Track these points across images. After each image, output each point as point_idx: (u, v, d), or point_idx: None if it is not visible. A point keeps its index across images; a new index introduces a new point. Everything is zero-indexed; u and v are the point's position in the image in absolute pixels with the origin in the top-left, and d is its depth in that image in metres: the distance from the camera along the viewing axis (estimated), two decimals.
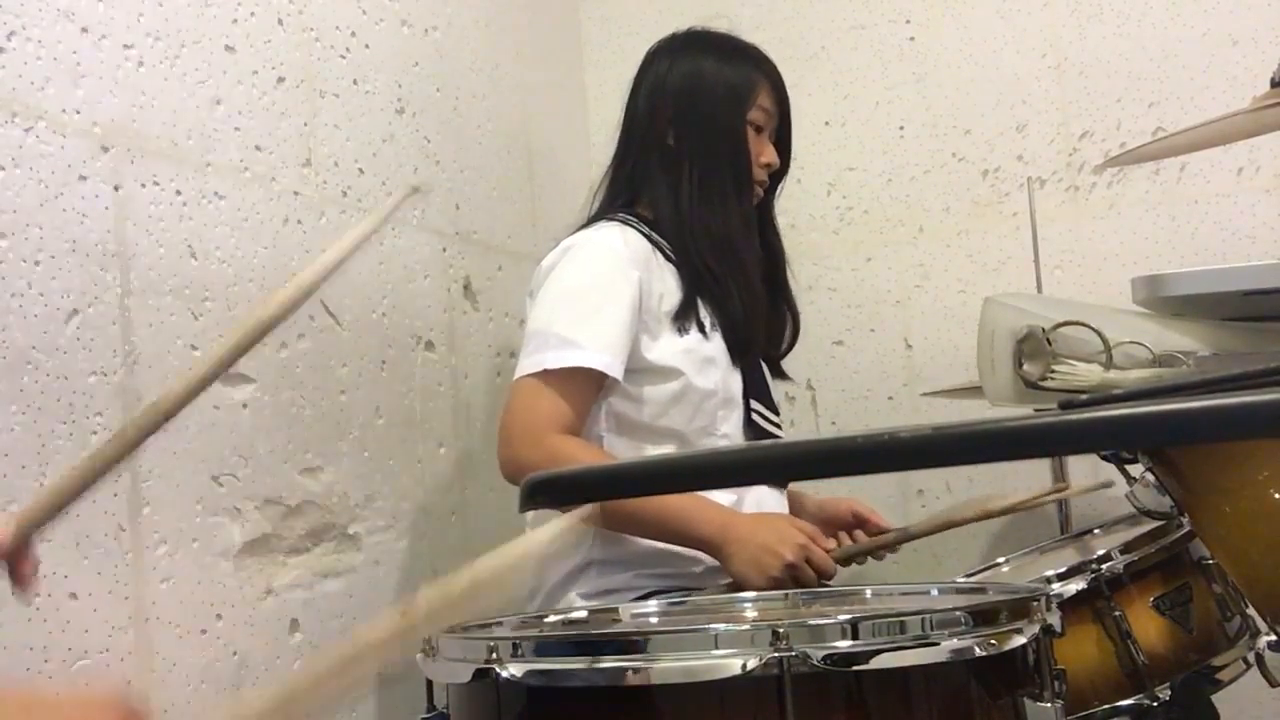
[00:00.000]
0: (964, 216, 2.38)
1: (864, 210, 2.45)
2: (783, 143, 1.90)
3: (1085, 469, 2.11)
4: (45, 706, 0.60)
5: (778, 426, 1.88)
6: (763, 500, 1.76)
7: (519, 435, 1.65)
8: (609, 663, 0.96)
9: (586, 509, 0.85)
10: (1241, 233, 2.19)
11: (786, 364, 1.97)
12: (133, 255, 1.43)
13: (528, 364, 1.68)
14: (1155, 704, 1.36)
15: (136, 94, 1.46)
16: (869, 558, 1.74)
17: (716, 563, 1.70)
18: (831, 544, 1.66)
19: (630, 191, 1.85)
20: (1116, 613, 1.38)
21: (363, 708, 1.73)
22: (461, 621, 1.10)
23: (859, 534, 1.76)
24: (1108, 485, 1.83)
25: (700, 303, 1.77)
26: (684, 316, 1.75)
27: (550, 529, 0.73)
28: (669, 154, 1.82)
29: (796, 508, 1.85)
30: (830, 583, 1.62)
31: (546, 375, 1.65)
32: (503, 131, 2.25)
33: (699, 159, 1.80)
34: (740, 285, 1.78)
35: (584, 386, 1.68)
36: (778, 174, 1.91)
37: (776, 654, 0.92)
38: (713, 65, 1.84)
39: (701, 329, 1.76)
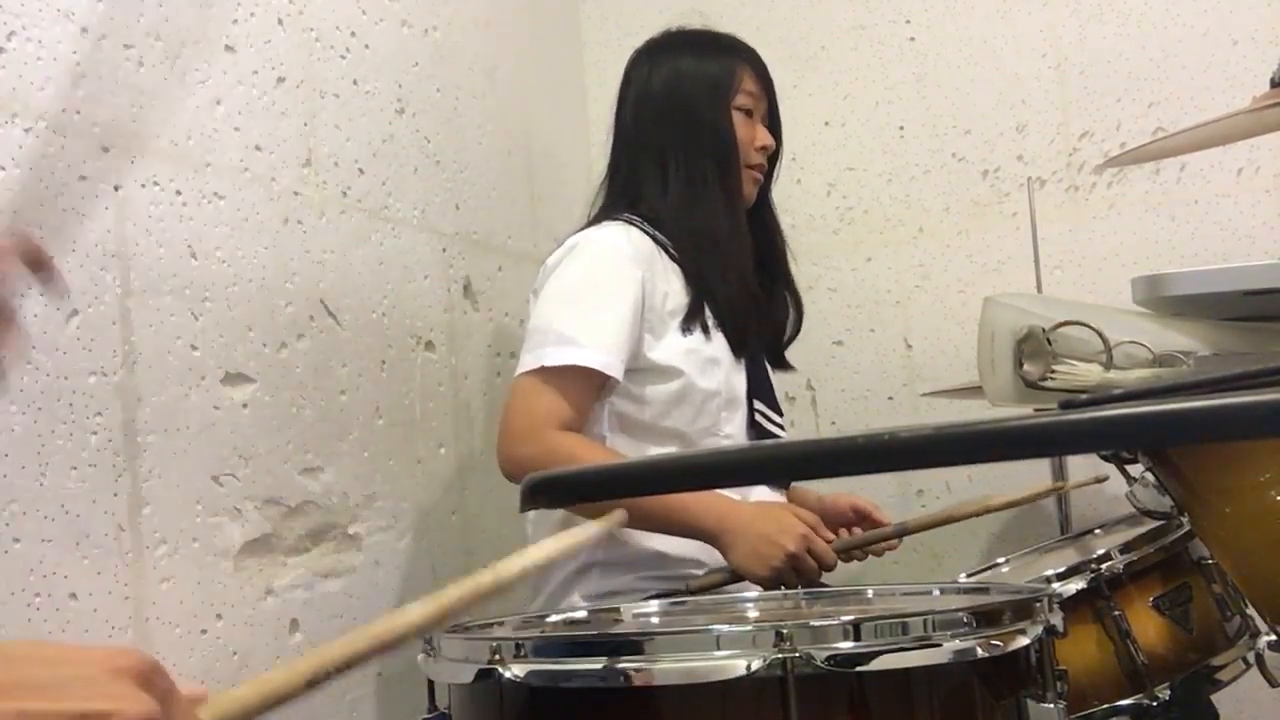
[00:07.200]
0: (964, 216, 2.38)
1: (864, 210, 2.45)
2: (773, 123, 1.90)
3: (1085, 468, 2.11)
4: (62, 656, 0.56)
5: (780, 427, 1.88)
6: (764, 500, 1.75)
7: (518, 432, 1.66)
8: (611, 663, 0.96)
9: (619, 516, 0.80)
10: (1241, 233, 2.19)
11: (789, 358, 1.97)
12: (133, 255, 1.43)
13: (527, 360, 1.69)
14: (1155, 704, 1.36)
15: (136, 94, 1.46)
16: (868, 553, 1.74)
17: (721, 566, 1.70)
18: (832, 536, 1.66)
19: (627, 198, 1.86)
20: (1116, 612, 1.38)
21: (364, 708, 1.73)
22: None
23: (859, 529, 1.77)
24: (1103, 480, 1.86)
25: (705, 302, 1.78)
26: (689, 317, 1.76)
27: (578, 533, 0.72)
28: (657, 157, 1.83)
29: (798, 503, 1.84)
30: (828, 581, 1.62)
31: (545, 373, 1.66)
32: (503, 131, 2.25)
33: (684, 157, 1.82)
34: (731, 278, 1.78)
35: (583, 385, 1.68)
36: (773, 156, 1.91)
37: (780, 655, 0.92)
38: (690, 63, 1.86)
39: (705, 329, 1.76)
